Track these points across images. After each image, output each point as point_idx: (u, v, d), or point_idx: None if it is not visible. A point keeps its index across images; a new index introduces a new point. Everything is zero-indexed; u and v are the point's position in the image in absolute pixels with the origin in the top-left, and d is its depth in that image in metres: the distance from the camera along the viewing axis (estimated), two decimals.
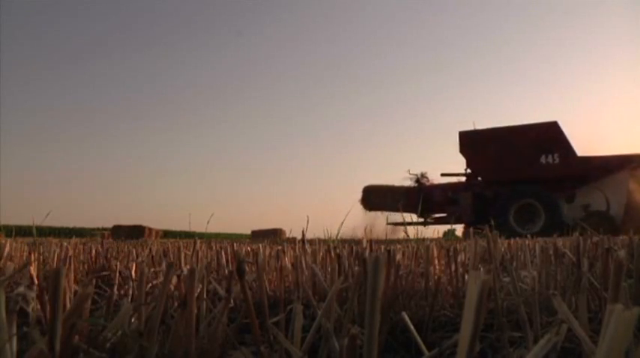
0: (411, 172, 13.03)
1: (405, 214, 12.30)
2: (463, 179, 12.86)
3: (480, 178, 12.35)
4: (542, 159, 11.28)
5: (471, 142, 12.07)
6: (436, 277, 1.39)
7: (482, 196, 11.78)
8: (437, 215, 12.74)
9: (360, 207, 13.26)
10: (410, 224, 12.65)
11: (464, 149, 12.16)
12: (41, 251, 2.13)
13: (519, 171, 11.40)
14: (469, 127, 12.30)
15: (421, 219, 12.77)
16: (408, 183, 13.09)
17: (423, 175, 13.00)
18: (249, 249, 2.87)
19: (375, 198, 13.11)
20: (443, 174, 12.87)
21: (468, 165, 12.47)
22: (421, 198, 12.18)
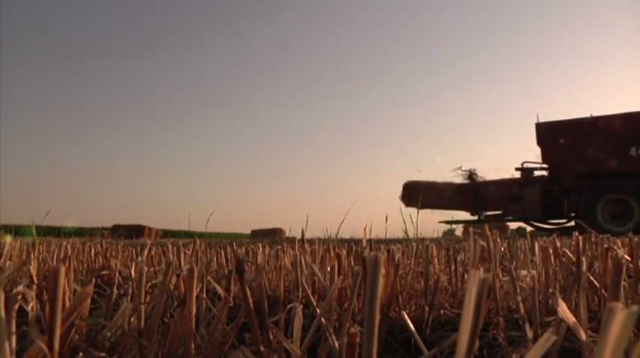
0: (463, 168, 12.26)
1: (453, 212, 11.77)
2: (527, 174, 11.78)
3: (553, 172, 11.27)
4: (633, 152, 10.21)
5: (550, 134, 10.99)
6: (435, 276, 1.39)
7: (551, 192, 10.88)
8: (491, 212, 11.98)
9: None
10: (463, 222, 12.20)
11: (541, 142, 11.09)
12: (41, 250, 2.13)
13: (606, 164, 10.33)
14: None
15: (474, 217, 12.04)
16: (459, 179, 12.33)
17: (473, 171, 12.31)
18: (248, 248, 2.87)
19: (417, 194, 12.25)
20: (517, 169, 11.72)
21: (545, 159, 11.32)
22: (474, 194, 11.56)
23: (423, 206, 12.16)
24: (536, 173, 11.65)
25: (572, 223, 10.93)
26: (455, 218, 12.60)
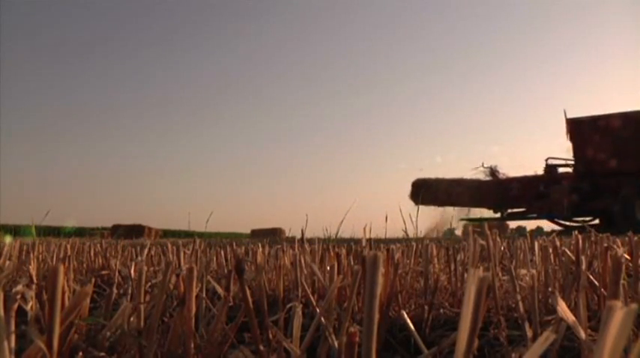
0: (484, 165, 11.88)
1: (473, 209, 11.50)
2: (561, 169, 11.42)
3: (584, 168, 10.83)
4: None
5: (583, 130, 10.57)
6: (435, 276, 1.39)
7: (580, 189, 10.49)
8: (515, 210, 11.62)
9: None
10: (484, 219, 11.84)
11: (573, 137, 10.68)
12: (40, 250, 2.13)
13: None
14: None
15: (496, 215, 11.74)
16: (481, 176, 11.99)
17: (495, 168, 11.91)
18: (248, 248, 2.87)
19: (428, 192, 11.98)
20: (551, 166, 11.39)
21: (576, 155, 10.87)
22: (497, 191, 11.20)
23: (433, 203, 11.86)
24: (561, 169, 11.31)
25: (597, 221, 10.64)
26: (471, 215, 12.22)
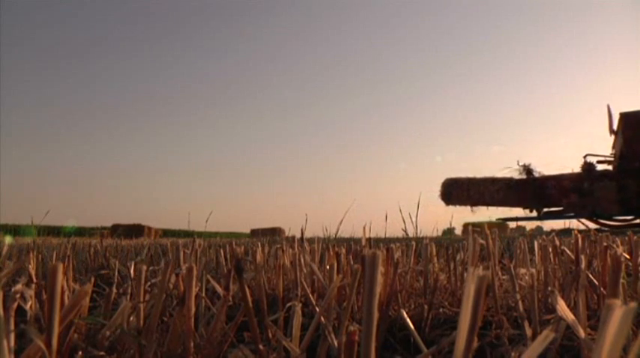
0: (519, 163, 11.38)
1: (503, 208, 11.09)
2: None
3: (631, 164, 10.21)
4: None
5: (637, 124, 9.95)
6: (435, 275, 1.39)
7: (627, 186, 10.01)
8: (552, 208, 11.10)
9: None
10: (520, 219, 11.57)
11: (626, 132, 10.09)
12: (40, 250, 2.13)
13: None
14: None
15: (532, 214, 11.25)
16: (514, 175, 11.47)
17: (529, 166, 11.40)
18: (247, 247, 2.87)
19: (460, 191, 11.72)
20: (589, 163, 10.91)
21: (630, 150, 10.26)
22: (533, 190, 10.75)
23: (465, 202, 11.57)
24: (600, 166, 10.76)
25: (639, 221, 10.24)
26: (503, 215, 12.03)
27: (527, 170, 11.42)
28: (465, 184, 11.87)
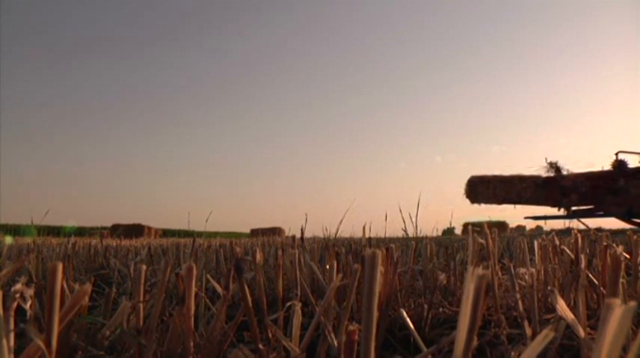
0: (547, 161, 11.10)
1: (533, 207, 10.83)
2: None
3: None
4: None
5: None
6: (434, 275, 1.39)
7: None
8: (581, 207, 10.81)
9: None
10: (550, 218, 11.18)
11: None
12: (40, 249, 2.12)
13: None
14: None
15: (560, 213, 10.95)
16: (543, 173, 11.18)
17: (556, 163, 11.12)
18: (247, 247, 2.87)
19: (486, 189, 11.45)
20: (621, 161, 10.48)
21: None
22: (561, 188, 10.47)
23: (491, 200, 11.18)
24: (631, 165, 10.25)
25: None
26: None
27: (556, 167, 11.13)
28: (492, 182, 11.59)
